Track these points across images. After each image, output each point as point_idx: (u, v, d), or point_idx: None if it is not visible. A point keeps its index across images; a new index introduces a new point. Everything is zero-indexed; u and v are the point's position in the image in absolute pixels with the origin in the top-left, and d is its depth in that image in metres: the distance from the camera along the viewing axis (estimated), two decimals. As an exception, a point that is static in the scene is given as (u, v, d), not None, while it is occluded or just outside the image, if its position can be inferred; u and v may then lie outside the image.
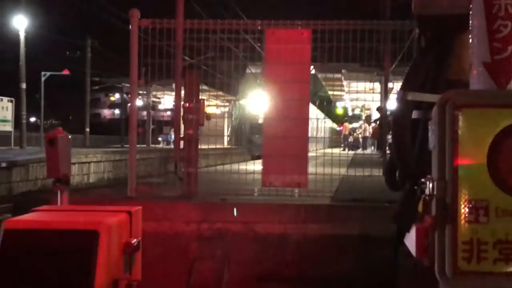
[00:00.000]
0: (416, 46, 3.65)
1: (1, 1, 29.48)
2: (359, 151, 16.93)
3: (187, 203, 4.51)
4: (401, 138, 2.90)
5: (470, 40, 2.26)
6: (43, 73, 30.65)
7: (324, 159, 5.58)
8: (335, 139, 18.53)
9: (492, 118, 1.82)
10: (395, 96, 3.98)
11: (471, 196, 1.84)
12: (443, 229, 1.86)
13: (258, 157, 11.82)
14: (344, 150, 17.29)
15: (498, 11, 2.12)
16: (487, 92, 2.11)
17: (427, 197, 2.00)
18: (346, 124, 20.88)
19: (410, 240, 2.22)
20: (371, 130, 17.52)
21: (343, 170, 7.20)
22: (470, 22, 2.24)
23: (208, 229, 4.13)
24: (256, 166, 5.76)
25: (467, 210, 1.84)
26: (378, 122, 12.02)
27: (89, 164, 19.38)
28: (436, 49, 2.99)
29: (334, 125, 23.46)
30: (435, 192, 1.89)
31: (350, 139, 21.00)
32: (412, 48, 4.48)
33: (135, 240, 2.88)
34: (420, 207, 2.25)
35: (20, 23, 24.28)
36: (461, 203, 1.85)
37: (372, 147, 16.37)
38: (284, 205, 4.47)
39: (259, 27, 4.94)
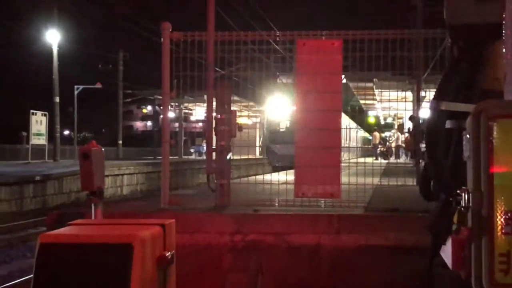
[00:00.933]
0: (449, 55, 3.68)
1: (34, 15, 30.63)
2: (392, 159, 16.77)
3: (220, 215, 4.55)
4: (435, 148, 2.92)
5: (504, 50, 2.26)
6: (76, 86, 31.54)
7: (357, 169, 5.54)
8: (368, 149, 18.51)
9: None
10: (428, 105, 3.97)
11: (507, 207, 1.85)
12: (479, 241, 1.87)
13: (278, 168, 11.74)
14: (376, 159, 17.13)
15: None
16: None
17: (462, 209, 2.00)
18: (375, 133, 20.91)
19: (446, 252, 2.22)
20: (403, 139, 17.38)
21: (376, 180, 7.16)
22: (503, 31, 2.24)
23: (241, 240, 4.15)
24: (288, 176, 5.77)
25: (503, 221, 1.85)
26: (410, 131, 11.90)
27: (122, 176, 20.25)
28: (469, 58, 3.01)
29: (367, 134, 23.58)
30: (470, 204, 1.90)
31: (381, 148, 20.94)
32: (444, 57, 4.44)
33: (169, 253, 2.90)
34: (455, 219, 2.21)
35: (53, 37, 25.53)
36: (497, 214, 1.85)
37: (405, 156, 16.20)
38: (317, 215, 4.46)
39: (290, 38, 4.98)
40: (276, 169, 12.45)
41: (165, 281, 2.86)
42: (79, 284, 2.55)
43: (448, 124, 2.81)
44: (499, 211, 1.85)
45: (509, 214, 1.84)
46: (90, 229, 3.02)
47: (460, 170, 2.23)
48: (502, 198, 1.85)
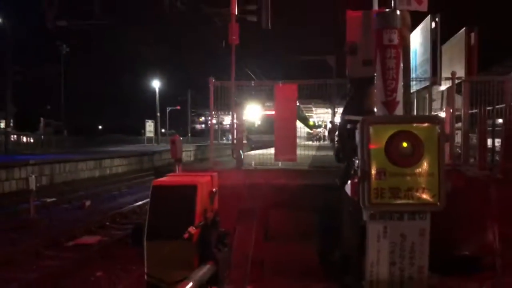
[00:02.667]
0: (348, 91, 5.49)
1: (143, 66, 53.43)
2: (321, 142, 28.69)
3: (237, 170, 7.49)
4: (342, 137, 4.58)
5: (375, 89, 3.80)
6: (167, 108, 62.73)
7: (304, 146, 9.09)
8: (309, 137, 30.47)
9: (385, 128, 3.24)
10: (339, 116, 5.89)
11: (376, 166, 3.19)
12: (363, 182, 3.20)
13: (254, 148, 19.44)
14: (313, 142, 28.71)
15: (388, 77, 3.71)
16: (383, 116, 3.69)
17: (356, 167, 3.36)
18: (314, 129, 36.79)
19: (348, 188, 3.69)
20: (326, 132, 30.51)
21: (313, 152, 12.24)
22: (375, 80, 3.81)
23: (248, 182, 6.54)
24: (268, 151, 9.70)
25: (374, 173, 3.19)
26: (330, 128, 19.19)
27: (190, 151, 37.18)
28: (358, 93, 4.67)
29: (308, 130, 36.54)
30: (360, 165, 3.24)
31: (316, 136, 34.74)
32: (346, 92, 8.07)
33: (215, 189, 4.56)
34: (352, 172, 3.64)
35: (156, 84, 53.24)
36: (372, 170, 3.19)
37: (327, 140, 26.03)
38: (284, 170, 7.52)
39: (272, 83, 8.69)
40: (252, 149, 19.60)
41: (212, 202, 4.46)
42: (172, 205, 3.94)
43: (348, 126, 4.39)
44: (373, 168, 3.19)
45: (377, 170, 3.16)
46: (176, 177, 4.77)
47: (353, 148, 3.62)
48: (374, 162, 3.19)
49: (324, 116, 31.40)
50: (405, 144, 3.16)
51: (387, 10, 3.94)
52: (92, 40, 49.42)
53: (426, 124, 3.25)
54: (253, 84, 8.92)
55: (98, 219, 12.27)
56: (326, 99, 9.08)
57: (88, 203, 14.94)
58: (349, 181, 3.78)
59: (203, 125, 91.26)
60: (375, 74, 3.93)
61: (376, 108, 3.86)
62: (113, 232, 11.22)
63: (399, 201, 3.18)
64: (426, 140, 3.18)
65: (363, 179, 3.19)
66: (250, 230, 6.38)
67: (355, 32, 4.54)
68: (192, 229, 3.61)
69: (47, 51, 41.69)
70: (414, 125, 3.23)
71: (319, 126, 38.61)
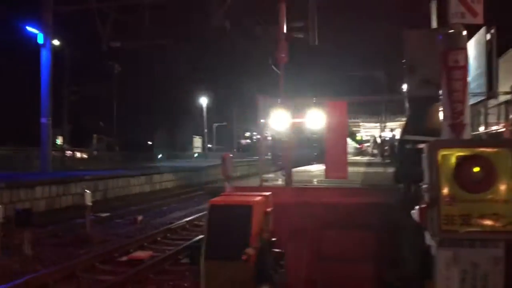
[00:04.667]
0: (407, 111, 5.38)
1: (190, 84, 58.63)
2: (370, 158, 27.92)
3: (288, 188, 7.35)
4: (400, 157, 4.66)
5: (442, 111, 3.78)
6: (214, 124, 64.53)
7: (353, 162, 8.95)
8: (357, 153, 29.77)
9: (454, 153, 3.10)
10: (388, 131, 7.26)
11: (446, 191, 3.05)
12: (433, 208, 3.08)
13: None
14: (362, 157, 28.12)
15: (455, 99, 3.65)
16: (453, 140, 3.58)
17: (422, 192, 3.24)
18: (362, 144, 35.47)
19: (415, 214, 3.46)
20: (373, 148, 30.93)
21: (362, 169, 12.22)
22: (441, 101, 3.76)
23: (299, 200, 6.43)
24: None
25: (444, 199, 3.06)
26: (379, 143, 19.03)
27: (237, 167, 35.84)
28: (417, 113, 4.63)
29: (356, 144, 35.70)
30: (428, 191, 3.13)
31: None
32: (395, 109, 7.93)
33: (269, 209, 4.59)
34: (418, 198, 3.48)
35: (203, 101, 56.54)
36: (441, 196, 3.06)
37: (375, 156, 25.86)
38: (337, 187, 7.20)
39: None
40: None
41: (267, 223, 4.50)
42: (229, 225, 4.01)
43: (407, 146, 4.39)
44: (442, 194, 3.05)
45: (447, 196, 3.04)
46: (232, 197, 4.78)
47: (417, 172, 3.53)
48: (443, 187, 3.04)
49: (372, 131, 30.41)
50: (476, 169, 3.05)
51: (453, 30, 3.86)
52: (143, 59, 51.39)
53: (498, 148, 3.13)
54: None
55: (150, 234, 12.56)
56: (374, 114, 9.00)
57: (140, 218, 15.34)
58: (415, 206, 3.71)
59: (248, 140, 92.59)
60: (440, 93, 3.86)
61: (443, 131, 3.78)
62: (164, 247, 11.44)
63: (470, 229, 3.07)
64: (498, 164, 3.05)
65: (432, 205, 3.11)
66: (302, 250, 6.35)
67: (414, 51, 4.50)
68: (250, 251, 3.64)
69: (100, 70, 43.41)
70: (486, 149, 3.11)
71: (367, 141, 37.88)
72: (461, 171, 3.05)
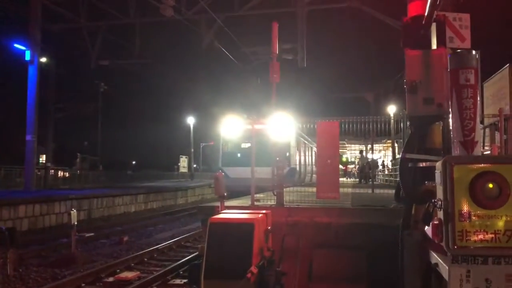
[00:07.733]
0: (406, 130, 5.57)
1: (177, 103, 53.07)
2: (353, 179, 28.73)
3: (280, 208, 7.47)
4: (403, 176, 4.50)
5: (451, 127, 3.71)
6: (201, 144, 59.76)
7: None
8: (342, 174, 28.16)
9: (469, 169, 3.10)
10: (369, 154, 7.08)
11: (461, 207, 3.03)
12: (447, 224, 3.04)
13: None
14: (347, 179, 29.28)
15: (466, 116, 3.63)
16: (467, 156, 3.56)
17: (436, 208, 3.22)
18: (347, 166, 36.61)
19: (428, 230, 3.49)
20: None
21: (349, 189, 12.79)
22: (451, 119, 3.70)
23: (291, 220, 6.66)
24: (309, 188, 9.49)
25: (459, 215, 3.04)
26: (364, 164, 20.46)
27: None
28: (418, 131, 4.59)
29: (341, 167, 36.99)
30: (443, 207, 3.10)
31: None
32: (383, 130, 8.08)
33: (269, 227, 4.63)
34: (432, 214, 3.43)
35: (190, 120, 51.15)
36: (456, 212, 3.04)
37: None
38: (328, 208, 7.24)
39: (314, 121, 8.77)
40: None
41: (267, 240, 4.54)
42: (230, 243, 3.96)
43: (409, 164, 4.39)
44: (456, 210, 3.05)
45: (461, 212, 3.03)
46: (232, 214, 4.79)
47: (427, 189, 3.64)
48: (458, 203, 3.04)
49: (356, 153, 30.31)
50: (490, 185, 3.03)
51: (463, 49, 3.92)
52: (130, 78, 51.43)
53: (512, 165, 3.11)
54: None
55: (136, 254, 12.37)
56: (360, 135, 9.18)
57: (126, 238, 15.11)
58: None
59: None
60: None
61: (453, 148, 3.75)
62: (151, 268, 11.27)
63: (485, 244, 3.05)
64: None
65: (447, 221, 3.08)
66: (294, 269, 6.33)
67: (415, 71, 4.55)
68: (254, 269, 3.62)
69: (86, 89, 43.38)
70: (500, 165, 3.09)
71: (352, 163, 37.74)
72: (475, 187, 3.03)
